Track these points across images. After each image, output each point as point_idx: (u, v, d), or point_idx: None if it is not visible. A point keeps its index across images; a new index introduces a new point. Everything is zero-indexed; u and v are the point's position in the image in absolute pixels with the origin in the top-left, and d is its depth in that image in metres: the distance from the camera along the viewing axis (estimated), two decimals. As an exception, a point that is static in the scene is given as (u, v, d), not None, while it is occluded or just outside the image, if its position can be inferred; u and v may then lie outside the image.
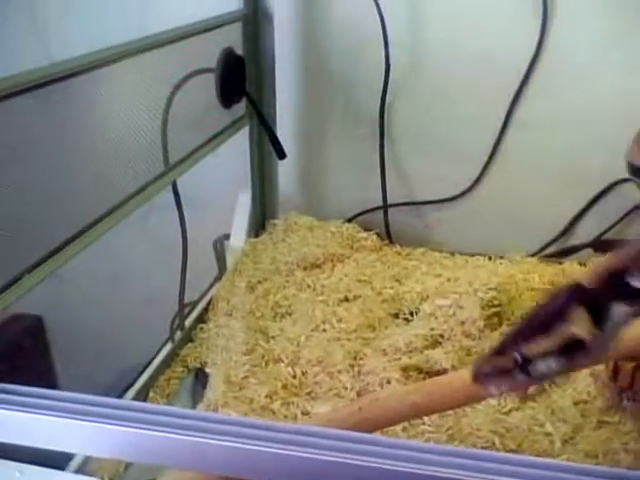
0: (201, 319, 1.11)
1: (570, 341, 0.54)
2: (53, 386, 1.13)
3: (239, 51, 1.12)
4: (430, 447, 0.47)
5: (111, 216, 0.84)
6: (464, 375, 0.73)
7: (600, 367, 0.87)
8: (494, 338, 0.96)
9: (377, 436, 0.73)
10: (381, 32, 1.17)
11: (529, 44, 1.16)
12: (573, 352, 0.54)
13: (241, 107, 1.17)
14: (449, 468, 0.44)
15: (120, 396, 0.96)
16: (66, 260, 0.78)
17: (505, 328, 0.99)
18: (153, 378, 0.97)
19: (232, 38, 1.10)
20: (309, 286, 1.15)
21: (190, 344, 1.05)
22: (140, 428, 0.47)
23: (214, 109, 1.08)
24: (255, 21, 1.16)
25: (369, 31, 1.18)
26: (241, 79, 1.13)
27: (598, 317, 0.54)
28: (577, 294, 0.56)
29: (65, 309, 1.05)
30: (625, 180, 1.21)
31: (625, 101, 1.16)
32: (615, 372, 0.83)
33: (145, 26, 0.89)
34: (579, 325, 0.54)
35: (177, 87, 0.97)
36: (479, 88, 1.20)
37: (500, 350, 0.56)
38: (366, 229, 1.30)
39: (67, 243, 0.78)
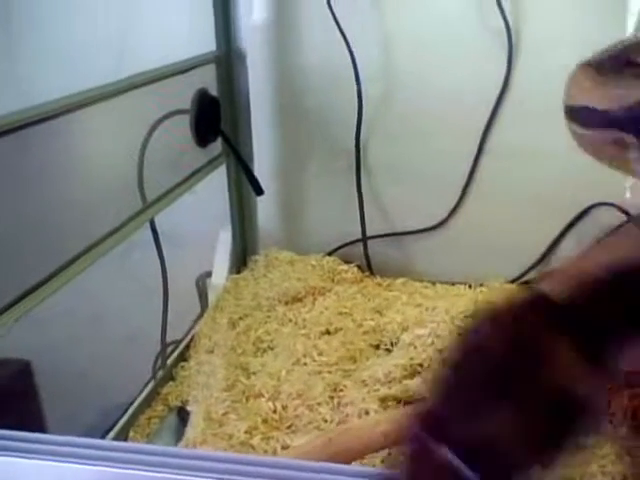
0: (183, 357, 1.11)
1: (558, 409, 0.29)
2: (42, 429, 1.13)
3: (213, 91, 1.15)
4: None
5: (88, 254, 0.85)
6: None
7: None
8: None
9: (355, 467, 0.73)
10: (352, 69, 1.19)
11: (497, 76, 1.19)
12: (567, 427, 0.29)
13: (217, 146, 1.19)
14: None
15: (103, 436, 0.96)
16: (41, 300, 0.78)
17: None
18: (134, 417, 0.97)
19: (206, 79, 1.12)
20: (290, 320, 1.15)
21: (171, 382, 1.06)
22: (120, 467, 0.48)
23: (190, 148, 1.10)
24: (228, 62, 1.18)
25: (341, 68, 1.21)
26: (216, 119, 1.15)
27: (588, 348, 0.32)
28: (547, 316, 0.32)
29: (47, 351, 1.06)
30: (600, 204, 1.24)
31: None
32: (591, 395, 0.83)
33: (120, 68, 0.92)
34: (568, 372, 0.30)
35: (153, 128, 0.99)
36: (450, 120, 1.23)
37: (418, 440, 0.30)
38: (347, 262, 1.31)
39: (42, 283, 0.79)
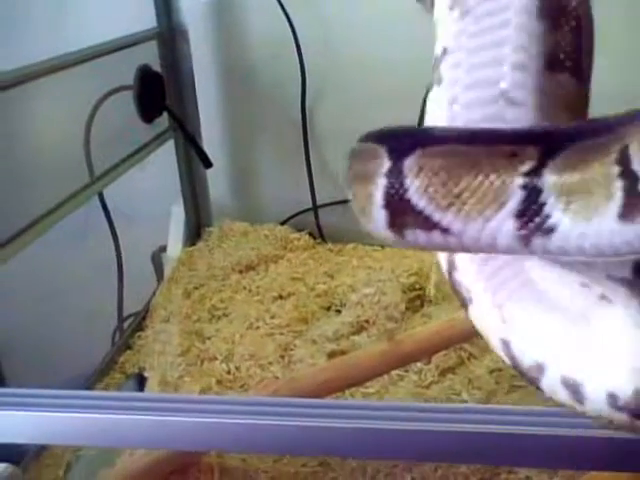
0: (140, 327, 1.14)
1: None
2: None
3: (156, 68, 1.17)
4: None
5: (34, 228, 0.87)
6: (370, 351, 0.78)
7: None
8: (416, 319, 1.02)
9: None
10: (293, 40, 1.22)
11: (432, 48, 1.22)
12: None
13: (164, 121, 1.21)
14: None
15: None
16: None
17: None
18: (91, 386, 1.00)
19: (148, 56, 1.14)
20: (244, 288, 1.19)
21: (129, 351, 1.09)
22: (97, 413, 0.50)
23: (135, 124, 1.12)
24: (170, 38, 1.20)
25: (284, 41, 1.23)
26: (160, 94, 1.17)
27: None
28: None
29: (3, 328, 1.08)
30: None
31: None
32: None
33: (58, 46, 0.93)
34: None
35: (97, 104, 1.01)
36: (392, 89, 1.26)
37: None
38: (299, 230, 1.34)
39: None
